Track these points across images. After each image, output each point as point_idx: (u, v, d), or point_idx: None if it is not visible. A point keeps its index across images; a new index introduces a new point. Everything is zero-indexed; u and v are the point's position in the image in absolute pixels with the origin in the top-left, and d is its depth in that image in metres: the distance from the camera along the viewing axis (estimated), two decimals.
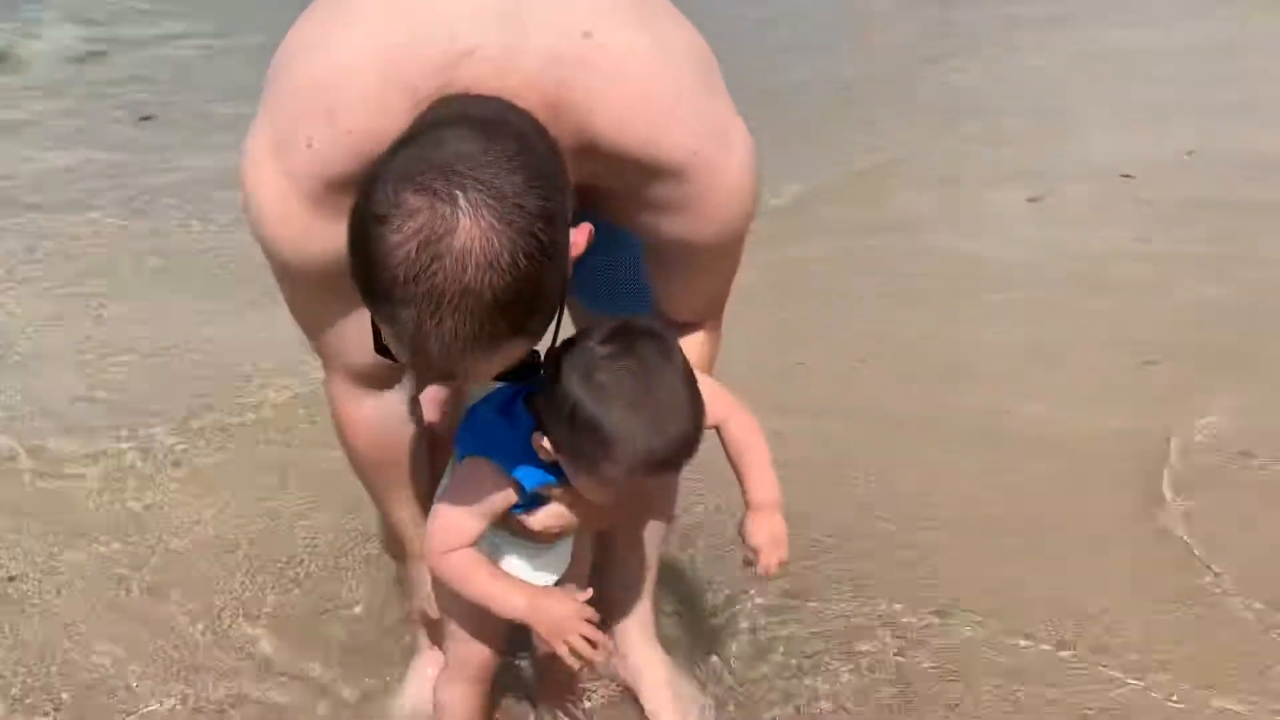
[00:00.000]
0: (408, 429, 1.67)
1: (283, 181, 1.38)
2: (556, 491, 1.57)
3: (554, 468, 1.54)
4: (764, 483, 1.66)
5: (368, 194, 1.21)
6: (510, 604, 1.61)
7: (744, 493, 1.68)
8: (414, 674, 2.07)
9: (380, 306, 1.22)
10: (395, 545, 1.77)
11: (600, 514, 1.63)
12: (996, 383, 3.09)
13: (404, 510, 1.72)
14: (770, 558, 1.65)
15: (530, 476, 1.56)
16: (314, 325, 1.55)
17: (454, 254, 1.16)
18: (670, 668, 2.13)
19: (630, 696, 2.13)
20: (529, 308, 1.22)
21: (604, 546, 2.05)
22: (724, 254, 1.56)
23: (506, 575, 1.65)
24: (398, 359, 1.31)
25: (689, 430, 1.46)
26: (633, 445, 1.42)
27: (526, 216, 1.19)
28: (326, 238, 1.35)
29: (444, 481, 1.67)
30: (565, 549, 1.74)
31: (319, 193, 1.36)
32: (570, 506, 1.58)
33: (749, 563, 1.66)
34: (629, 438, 1.42)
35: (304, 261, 1.42)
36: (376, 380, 1.60)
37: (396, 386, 1.63)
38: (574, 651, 1.60)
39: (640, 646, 2.11)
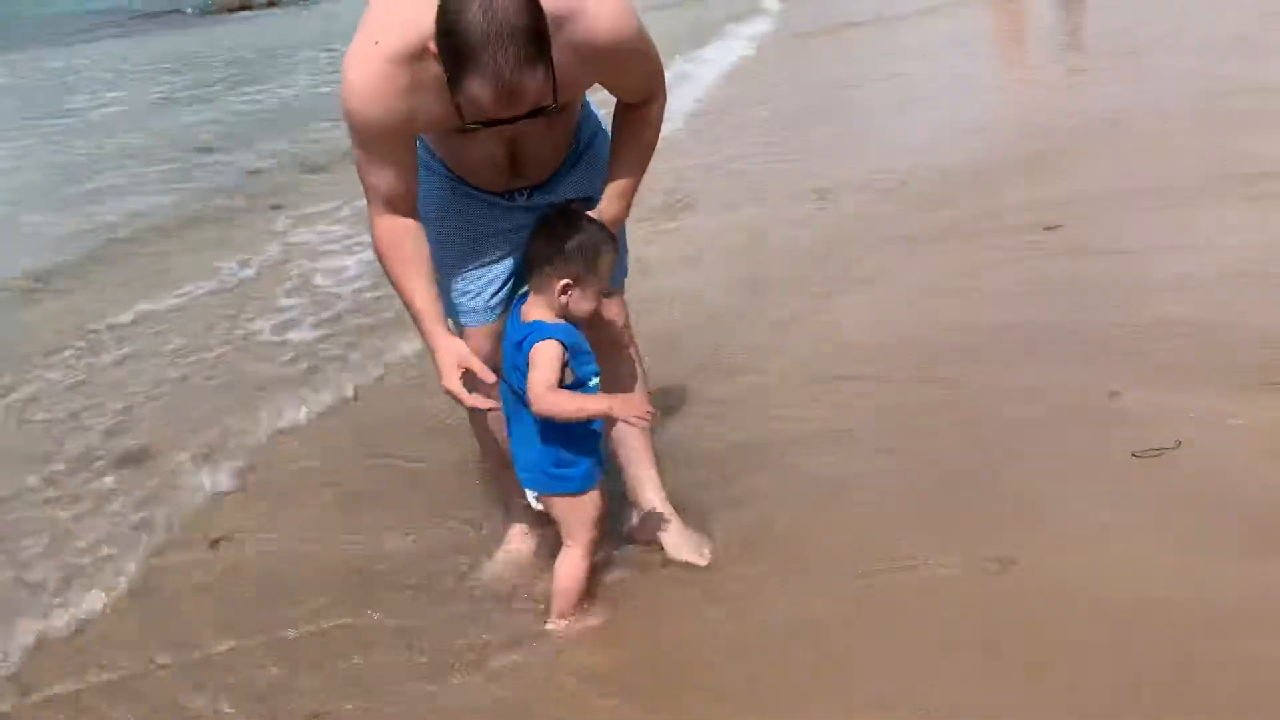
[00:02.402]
0: (413, 236, 2.54)
1: (377, 59, 2.28)
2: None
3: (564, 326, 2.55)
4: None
5: (443, 6, 2.12)
6: (597, 407, 2.53)
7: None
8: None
9: (470, 60, 2.10)
10: (416, 322, 2.56)
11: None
12: None
13: (416, 293, 2.54)
14: None
15: (566, 331, 2.54)
16: (373, 169, 2.46)
17: (499, 5, 2.07)
18: (679, 520, 2.97)
19: (654, 545, 2.89)
20: (545, 39, 2.14)
21: (621, 447, 2.96)
22: (636, 57, 2.50)
23: (586, 394, 2.58)
24: (476, 114, 2.19)
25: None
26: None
27: None
28: (401, 101, 2.31)
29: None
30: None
31: (402, 56, 2.27)
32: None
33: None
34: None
35: (389, 117, 2.33)
36: (396, 208, 2.50)
37: (406, 214, 2.52)
38: (643, 417, 2.53)
39: (658, 506, 2.99)
